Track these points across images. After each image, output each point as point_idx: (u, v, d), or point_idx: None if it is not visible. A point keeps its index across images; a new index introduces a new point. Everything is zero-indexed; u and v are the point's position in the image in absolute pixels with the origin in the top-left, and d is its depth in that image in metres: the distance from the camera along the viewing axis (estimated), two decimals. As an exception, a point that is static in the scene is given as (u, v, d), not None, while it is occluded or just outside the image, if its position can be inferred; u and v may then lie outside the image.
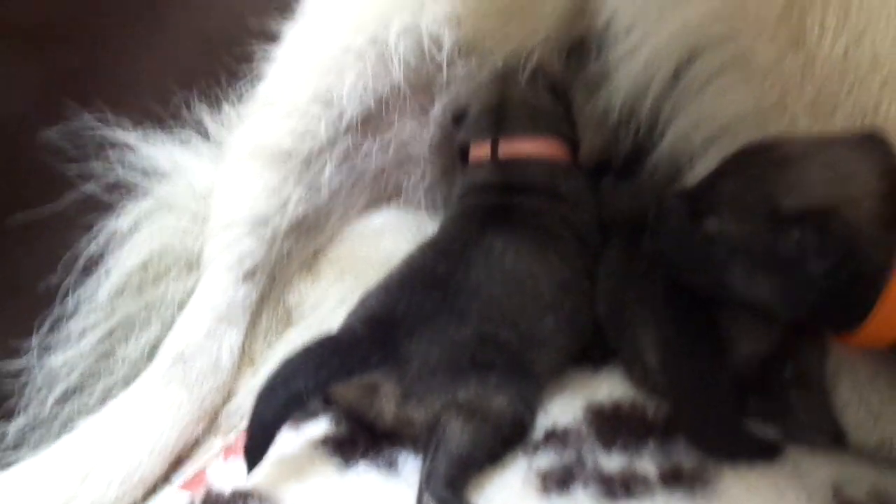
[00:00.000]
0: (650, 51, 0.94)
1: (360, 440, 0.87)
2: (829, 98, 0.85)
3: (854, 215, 0.67)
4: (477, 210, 1.01)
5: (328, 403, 0.92)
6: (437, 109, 1.21)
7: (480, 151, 1.08)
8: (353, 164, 1.17)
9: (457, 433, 0.80)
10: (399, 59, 1.16)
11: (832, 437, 0.79)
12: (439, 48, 1.17)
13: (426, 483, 0.78)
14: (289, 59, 1.20)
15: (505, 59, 1.17)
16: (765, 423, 0.82)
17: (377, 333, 0.84)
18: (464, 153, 1.12)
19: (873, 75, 0.83)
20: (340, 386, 0.87)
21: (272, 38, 1.24)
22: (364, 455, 0.86)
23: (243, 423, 0.97)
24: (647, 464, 0.81)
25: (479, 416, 0.81)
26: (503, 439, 0.83)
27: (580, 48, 1.12)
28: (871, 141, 0.72)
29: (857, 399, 0.79)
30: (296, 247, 1.13)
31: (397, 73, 1.16)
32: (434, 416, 0.81)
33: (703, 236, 0.76)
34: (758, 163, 0.75)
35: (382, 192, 1.23)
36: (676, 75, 0.95)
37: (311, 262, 1.17)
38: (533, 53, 1.15)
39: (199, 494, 0.85)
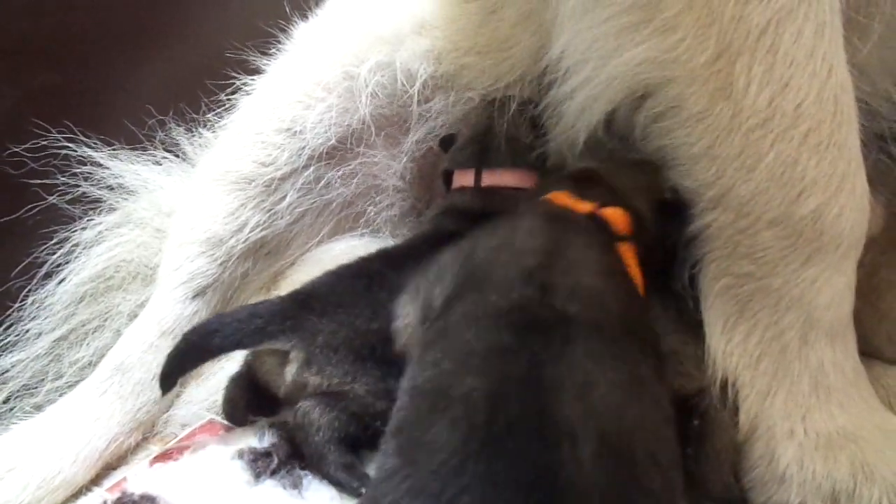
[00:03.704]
0: (589, 92, 0.95)
1: (276, 455, 0.89)
2: (754, 150, 0.85)
3: None
4: (449, 235, 1.00)
5: (260, 412, 0.95)
6: (411, 142, 1.24)
7: (464, 178, 1.12)
8: (318, 193, 1.20)
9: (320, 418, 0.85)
10: (368, 94, 1.19)
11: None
12: (412, 84, 1.20)
13: (326, 470, 0.83)
14: (263, 89, 1.25)
15: (480, 95, 1.20)
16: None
17: (293, 306, 0.90)
18: (447, 177, 1.15)
19: (794, 129, 0.83)
20: (262, 353, 0.92)
21: (253, 70, 1.28)
22: (274, 473, 0.88)
23: (183, 432, 1.01)
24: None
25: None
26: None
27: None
28: None
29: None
30: (253, 269, 1.17)
31: (364, 108, 1.19)
32: (327, 387, 0.86)
33: None
34: None
35: (350, 220, 1.26)
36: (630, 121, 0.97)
37: (270, 285, 1.20)
38: (507, 88, 1.18)
39: (113, 496, 0.87)
